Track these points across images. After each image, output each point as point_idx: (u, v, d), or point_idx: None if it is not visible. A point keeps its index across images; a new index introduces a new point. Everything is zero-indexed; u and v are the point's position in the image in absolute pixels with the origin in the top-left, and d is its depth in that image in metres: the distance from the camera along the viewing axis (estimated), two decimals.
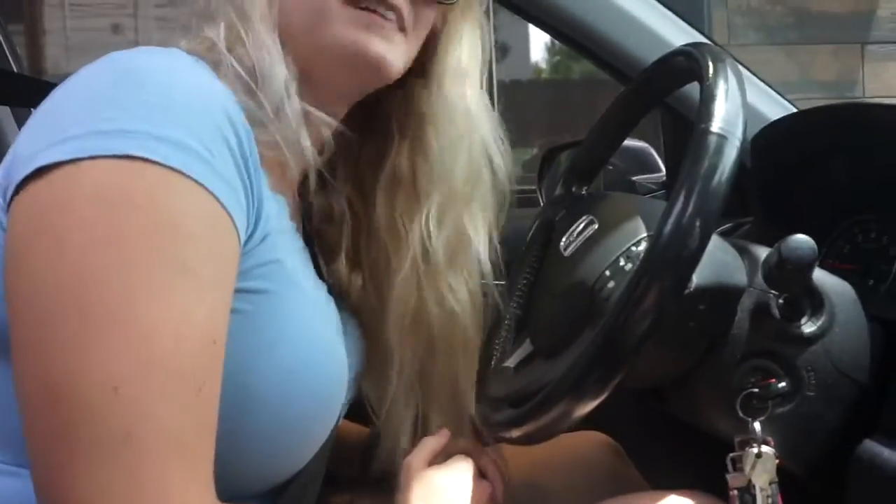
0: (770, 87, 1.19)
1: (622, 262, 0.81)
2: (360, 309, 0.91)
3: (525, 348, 0.93)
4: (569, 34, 1.16)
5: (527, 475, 0.99)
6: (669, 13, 1.17)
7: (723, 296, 0.78)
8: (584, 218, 0.91)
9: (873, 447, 0.77)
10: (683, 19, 1.18)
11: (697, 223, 0.68)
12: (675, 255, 0.68)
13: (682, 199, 0.69)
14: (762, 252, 0.80)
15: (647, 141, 1.44)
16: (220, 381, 0.61)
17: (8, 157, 0.63)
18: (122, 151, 0.57)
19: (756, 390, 0.77)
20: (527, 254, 1.02)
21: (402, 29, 0.77)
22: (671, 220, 0.68)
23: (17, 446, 0.59)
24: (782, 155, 1.07)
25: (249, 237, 0.65)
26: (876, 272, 0.98)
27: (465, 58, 0.87)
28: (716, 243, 0.79)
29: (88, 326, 0.55)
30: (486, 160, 0.89)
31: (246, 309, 0.65)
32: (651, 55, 0.97)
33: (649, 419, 1.04)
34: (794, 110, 1.17)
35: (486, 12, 0.96)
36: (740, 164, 0.71)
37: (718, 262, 0.79)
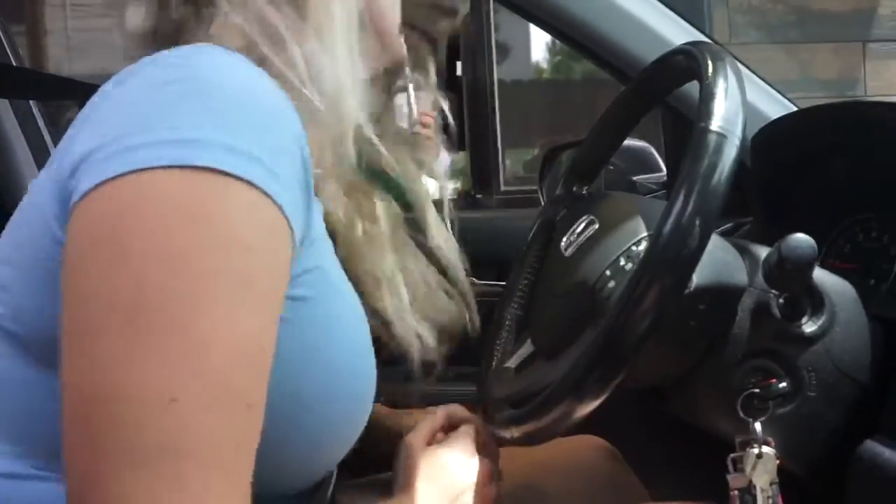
0: (770, 85, 1.19)
1: (623, 262, 0.81)
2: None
3: (526, 348, 0.93)
4: (569, 34, 1.16)
5: (524, 478, 0.98)
6: (670, 12, 1.17)
7: (723, 295, 0.78)
8: (584, 218, 0.91)
9: (874, 447, 0.77)
10: (684, 18, 1.18)
11: (697, 222, 0.68)
12: (675, 255, 0.68)
13: (681, 198, 0.69)
14: (762, 251, 0.80)
15: (648, 141, 1.44)
16: (267, 393, 0.60)
17: (62, 158, 0.61)
18: (189, 162, 0.56)
19: (757, 390, 0.77)
20: (527, 254, 1.02)
21: None
22: (671, 220, 0.68)
23: (52, 453, 0.58)
24: (782, 154, 1.07)
25: (300, 244, 0.64)
26: (877, 271, 0.97)
27: None
28: (716, 243, 0.79)
29: (146, 337, 0.54)
30: None
31: (293, 317, 0.64)
32: (651, 54, 0.97)
33: (648, 422, 1.04)
34: (795, 109, 1.17)
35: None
36: (740, 163, 0.71)
37: (719, 261, 0.79)
